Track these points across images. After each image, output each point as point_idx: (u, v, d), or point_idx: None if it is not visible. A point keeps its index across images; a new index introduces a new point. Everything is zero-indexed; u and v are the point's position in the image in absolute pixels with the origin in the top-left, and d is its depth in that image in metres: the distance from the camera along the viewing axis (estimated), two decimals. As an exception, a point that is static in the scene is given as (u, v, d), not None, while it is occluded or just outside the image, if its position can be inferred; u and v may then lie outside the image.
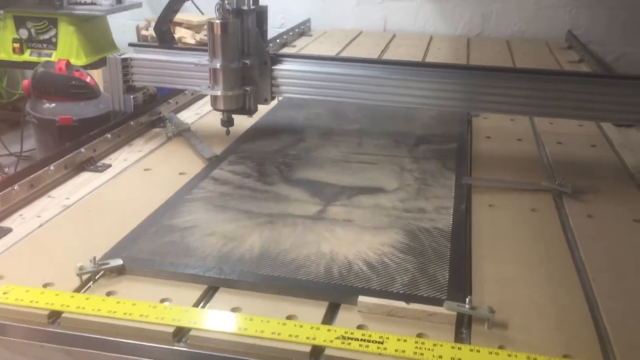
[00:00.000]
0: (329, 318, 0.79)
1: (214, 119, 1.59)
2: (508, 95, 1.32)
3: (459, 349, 0.72)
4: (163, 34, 1.61)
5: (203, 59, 1.31)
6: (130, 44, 1.64)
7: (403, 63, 1.48)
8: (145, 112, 1.52)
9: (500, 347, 0.73)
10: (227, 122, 1.35)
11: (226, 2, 1.26)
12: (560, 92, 1.30)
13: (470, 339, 0.76)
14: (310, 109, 1.63)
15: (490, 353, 0.71)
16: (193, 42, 2.93)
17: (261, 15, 1.36)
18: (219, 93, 1.29)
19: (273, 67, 1.39)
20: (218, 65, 1.27)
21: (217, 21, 1.26)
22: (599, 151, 1.43)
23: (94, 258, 0.85)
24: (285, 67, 1.40)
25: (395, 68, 1.39)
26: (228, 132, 1.36)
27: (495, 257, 0.94)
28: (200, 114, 1.63)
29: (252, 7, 1.32)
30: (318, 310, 0.80)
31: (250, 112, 1.38)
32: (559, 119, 1.51)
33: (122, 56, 1.52)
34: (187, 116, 1.61)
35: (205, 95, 1.75)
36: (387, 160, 1.29)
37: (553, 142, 1.48)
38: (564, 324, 0.78)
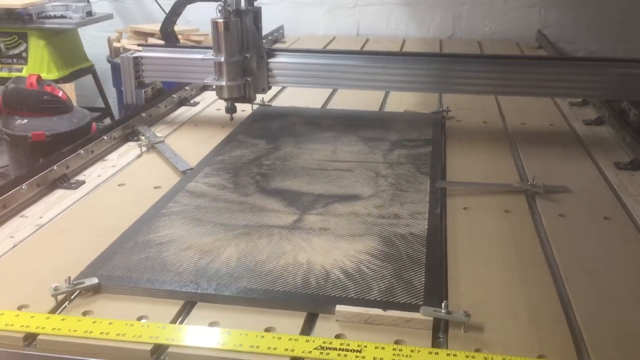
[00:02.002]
0: (308, 328, 0.79)
1: (188, 132, 1.59)
2: (475, 77, 1.55)
3: (436, 354, 0.73)
4: (168, 35, 1.90)
5: (208, 54, 1.49)
6: (140, 44, 1.83)
7: (383, 53, 1.68)
8: (117, 126, 1.52)
9: (477, 350, 0.74)
10: (231, 110, 1.52)
11: (227, 3, 1.42)
12: (520, 74, 1.53)
13: (447, 344, 0.77)
14: (284, 119, 1.64)
15: (467, 357, 0.72)
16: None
17: (257, 14, 1.53)
18: (223, 83, 1.46)
19: (269, 60, 1.59)
20: (222, 59, 1.45)
21: (220, 20, 1.42)
22: (570, 150, 1.45)
23: (69, 278, 0.85)
24: (279, 60, 1.60)
25: (377, 57, 1.61)
26: (232, 118, 1.54)
27: (470, 260, 0.95)
28: (175, 127, 1.63)
29: (249, 7, 1.49)
30: (296, 321, 0.80)
31: (250, 100, 1.55)
32: (521, 98, 1.77)
33: (134, 55, 1.68)
34: (161, 129, 1.60)
35: (179, 108, 1.77)
36: (362, 166, 1.30)
37: (525, 142, 1.50)
38: (538, 324, 0.80)
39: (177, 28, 2.85)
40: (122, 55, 1.69)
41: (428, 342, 0.76)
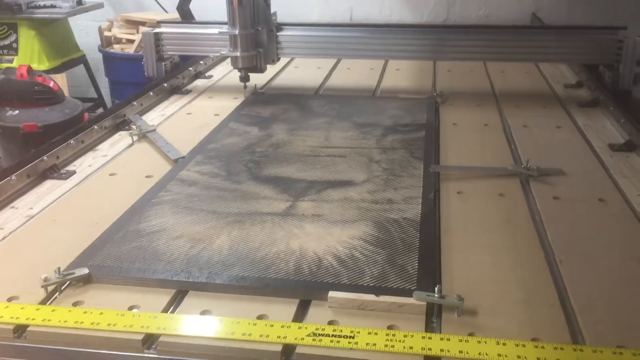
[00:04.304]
0: (300, 315, 0.79)
1: (180, 120, 1.57)
2: (466, 45, 1.76)
3: (430, 338, 0.72)
4: (184, 12, 2.18)
5: (223, 28, 1.68)
6: (159, 22, 1.98)
7: (382, 25, 1.90)
8: (108, 115, 1.50)
9: (470, 334, 0.73)
10: (245, 78, 1.71)
11: None
12: (506, 41, 1.75)
13: (440, 328, 0.76)
14: (277, 105, 1.62)
15: (460, 341, 0.72)
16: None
17: (266, -10, 1.73)
18: (238, 54, 1.66)
19: (278, 33, 1.77)
20: (236, 32, 1.64)
21: (235, -4, 1.61)
22: (564, 133, 1.44)
23: (59, 269, 0.84)
24: (288, 33, 1.79)
25: (376, 29, 1.82)
26: (245, 87, 1.72)
27: (464, 244, 0.94)
28: (166, 115, 1.61)
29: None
30: (289, 308, 0.79)
31: (261, 70, 1.73)
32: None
33: (154, 31, 1.87)
34: (153, 117, 1.59)
35: (171, 96, 1.76)
36: (356, 152, 1.29)
37: (519, 125, 1.49)
38: (532, 308, 0.79)
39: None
40: (144, 31, 1.91)
41: (421, 327, 0.76)
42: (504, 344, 0.71)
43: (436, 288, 0.78)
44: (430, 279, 0.83)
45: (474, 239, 0.96)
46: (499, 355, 0.69)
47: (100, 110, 3.16)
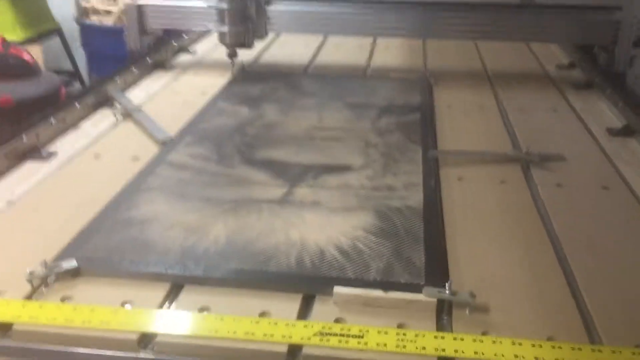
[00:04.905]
0: (304, 312, 0.75)
1: (165, 98, 1.51)
2: (456, 24, 1.71)
3: (442, 338, 0.69)
4: None
5: (211, 1, 1.62)
6: None
7: (374, 1, 1.76)
8: (90, 92, 1.43)
9: (484, 333, 0.70)
10: (232, 54, 1.63)
11: None
12: (498, 20, 1.70)
13: (452, 326, 0.73)
14: (266, 84, 1.57)
15: (475, 340, 0.68)
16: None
17: (255, -38, 1.64)
18: (225, 29, 1.58)
19: (267, 7, 1.70)
20: (225, 6, 1.56)
21: (223, -32, 1.52)
22: (561, 116, 1.41)
23: (45, 262, 0.79)
24: (277, 8, 1.73)
25: (368, 5, 1.74)
26: (233, 64, 1.64)
27: (469, 235, 0.91)
28: (150, 93, 1.55)
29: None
30: (292, 304, 0.75)
31: (249, 46, 1.64)
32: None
33: (138, 3, 1.75)
34: (136, 95, 1.52)
35: (153, 71, 1.70)
36: (351, 135, 1.25)
37: (515, 108, 1.46)
38: (544, 304, 0.76)
39: None
40: (127, 3, 1.78)
41: (432, 325, 0.72)
42: (520, 344, 0.68)
43: (447, 284, 0.75)
44: (438, 273, 0.80)
45: (479, 230, 0.93)
46: (516, 356, 0.66)
47: (77, 85, 3.06)
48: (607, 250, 0.88)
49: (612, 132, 1.32)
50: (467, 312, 0.74)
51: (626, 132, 1.31)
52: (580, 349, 0.67)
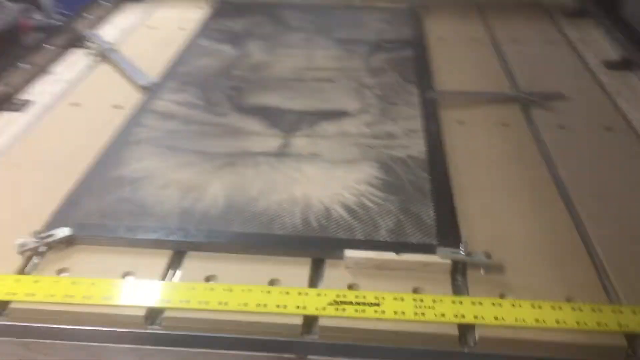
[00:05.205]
0: (315, 278, 0.72)
1: (142, 36, 1.42)
2: None
3: (460, 303, 0.67)
4: None
5: None
6: None
7: None
8: (60, 31, 1.34)
9: (501, 296, 0.69)
10: None
11: None
12: None
13: (467, 288, 0.71)
14: (248, 17, 1.48)
15: (494, 304, 0.67)
16: None
17: None
18: None
19: None
20: None
21: None
22: (557, 49, 1.37)
23: (36, 232, 0.74)
24: None
25: None
26: None
27: (476, 186, 0.88)
28: (124, 29, 1.45)
29: None
30: (302, 269, 0.72)
31: None
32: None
33: None
34: (109, 33, 1.42)
35: (125, 4, 1.58)
36: (343, 75, 1.19)
37: (508, 39, 1.41)
38: (558, 259, 0.75)
39: None
40: None
41: (448, 288, 0.70)
42: (540, 307, 0.66)
43: (461, 245, 0.72)
44: (450, 231, 0.78)
45: (485, 179, 0.90)
46: (537, 320, 0.65)
47: (37, 16, 2.88)
48: (616, 198, 0.86)
49: (609, 65, 1.28)
50: (482, 272, 0.72)
51: (624, 65, 1.28)
52: (600, 310, 0.66)
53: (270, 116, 1.03)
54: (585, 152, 0.97)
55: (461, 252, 0.72)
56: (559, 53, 1.35)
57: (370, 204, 0.82)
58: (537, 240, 0.78)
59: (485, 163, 0.94)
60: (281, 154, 0.93)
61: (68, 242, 0.75)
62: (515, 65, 1.27)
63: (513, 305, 0.67)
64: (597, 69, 1.26)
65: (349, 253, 0.73)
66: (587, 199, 0.85)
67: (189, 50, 1.30)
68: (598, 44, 1.40)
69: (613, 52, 1.34)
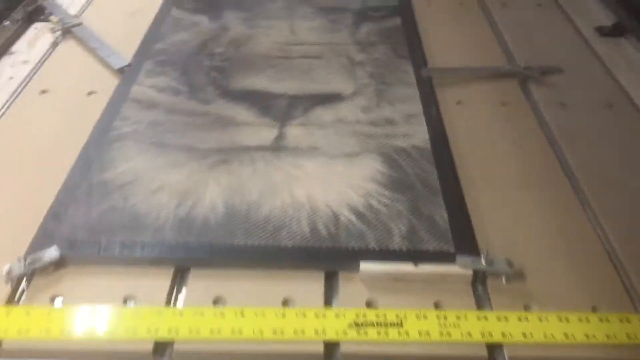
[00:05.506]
0: (330, 294, 0.68)
1: (107, 5, 1.31)
2: None
3: (485, 318, 0.64)
4: None
5: None
6: None
7: None
8: (18, 3, 1.22)
9: (527, 308, 0.66)
10: None
11: None
12: None
13: (489, 299, 0.68)
14: (221, -18, 1.38)
15: (520, 319, 0.64)
16: None
17: None
18: None
19: None
20: None
21: None
22: (546, 13, 1.32)
23: (22, 257, 0.67)
24: None
25: None
26: None
27: (483, 177, 0.84)
28: (88, -2, 1.33)
29: None
30: (315, 285, 0.68)
31: None
32: None
33: None
34: (71, 1, 1.31)
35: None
36: (331, 50, 1.12)
37: (497, 3, 1.35)
38: (578, 262, 0.72)
39: None
40: None
41: (470, 300, 0.67)
42: (567, 320, 0.64)
43: (483, 253, 0.69)
44: (466, 235, 0.74)
45: (492, 169, 0.86)
46: (566, 335, 0.63)
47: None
48: (628, 186, 0.83)
49: (602, 32, 1.24)
50: (503, 281, 0.69)
51: (616, 31, 1.24)
52: (629, 321, 0.64)
53: (260, 102, 0.96)
54: (590, 132, 0.94)
55: (482, 261, 0.69)
56: (550, 18, 1.30)
57: (379, 206, 0.77)
58: (554, 241, 0.75)
59: (489, 150, 0.90)
60: (277, 147, 0.87)
61: (58, 264, 0.69)
62: (505, 31, 1.22)
63: (540, 319, 0.64)
64: (591, 37, 1.22)
65: (365, 266, 0.69)
66: (599, 192, 0.82)
67: (162, 23, 1.20)
68: (588, 8, 1.35)
69: (603, 17, 1.30)
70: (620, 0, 1.30)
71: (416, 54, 1.12)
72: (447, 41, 1.19)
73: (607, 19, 1.29)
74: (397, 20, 1.23)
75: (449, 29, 1.24)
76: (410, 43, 1.15)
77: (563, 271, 0.71)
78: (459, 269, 0.69)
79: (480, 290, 0.69)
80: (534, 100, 1.02)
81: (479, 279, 0.70)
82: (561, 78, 1.08)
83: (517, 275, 0.70)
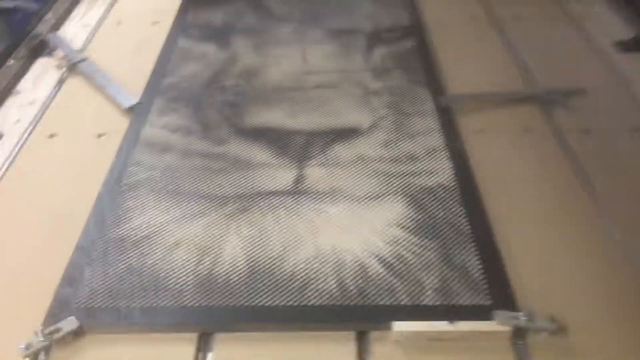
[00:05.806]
0: (363, 356, 0.65)
1: (110, 36, 1.27)
2: None
3: (529, 380, 0.61)
4: None
5: None
6: None
7: None
8: (21, 39, 1.19)
9: (571, 366, 0.63)
10: None
11: None
12: None
13: (530, 355, 0.64)
14: (226, 5, 1.34)
15: (566, 381, 0.61)
16: None
17: None
18: None
19: None
20: None
21: None
22: (562, 28, 1.28)
23: (39, 331, 0.64)
24: None
25: None
26: None
27: (513, 217, 0.81)
28: (89, 27, 1.30)
29: None
30: (347, 347, 0.65)
31: None
32: None
33: None
34: (74, 33, 1.28)
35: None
36: (345, 78, 1.08)
37: (510, 18, 1.31)
38: (620, 312, 0.69)
39: None
40: None
41: (510, 358, 0.64)
42: (615, 380, 0.61)
43: (523, 312, 0.65)
44: (501, 285, 0.70)
45: (521, 208, 0.82)
46: (616, 398, 0.59)
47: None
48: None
49: (622, 47, 1.20)
50: (544, 335, 0.66)
51: (637, 45, 1.20)
52: (680, 380, 0.61)
53: (276, 140, 0.93)
54: (619, 164, 0.90)
55: (522, 317, 0.65)
56: (565, 34, 1.26)
57: (408, 255, 0.74)
58: (591, 287, 0.71)
59: (515, 183, 0.86)
60: (298, 192, 0.84)
61: (77, 334, 0.66)
62: (522, 50, 1.18)
63: (587, 380, 0.61)
64: (609, 52, 1.18)
65: (399, 326, 0.65)
66: (633, 229, 0.79)
67: (169, 54, 1.17)
68: (604, 22, 1.31)
69: (620, 29, 1.26)
70: (636, 12, 1.26)
71: (432, 79, 1.08)
72: (462, 62, 1.15)
73: (620, 32, 1.25)
74: (411, 43, 1.20)
75: (464, 48, 1.20)
76: (425, 67, 1.11)
77: (605, 321, 0.67)
78: (497, 325, 0.65)
79: (520, 345, 0.66)
80: (557, 126, 0.98)
81: (518, 334, 0.66)
82: (585, 101, 1.04)
83: (559, 329, 0.66)
